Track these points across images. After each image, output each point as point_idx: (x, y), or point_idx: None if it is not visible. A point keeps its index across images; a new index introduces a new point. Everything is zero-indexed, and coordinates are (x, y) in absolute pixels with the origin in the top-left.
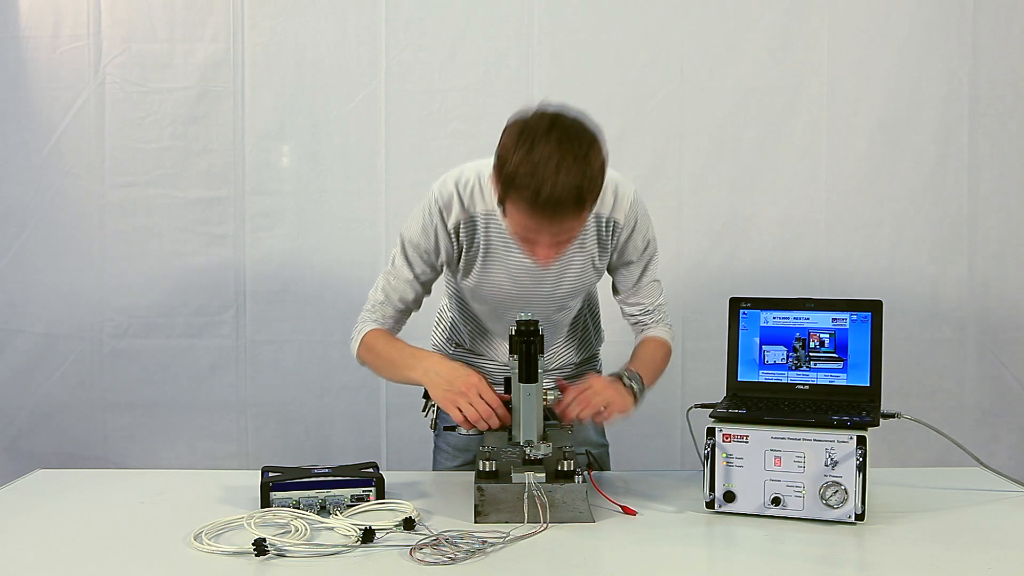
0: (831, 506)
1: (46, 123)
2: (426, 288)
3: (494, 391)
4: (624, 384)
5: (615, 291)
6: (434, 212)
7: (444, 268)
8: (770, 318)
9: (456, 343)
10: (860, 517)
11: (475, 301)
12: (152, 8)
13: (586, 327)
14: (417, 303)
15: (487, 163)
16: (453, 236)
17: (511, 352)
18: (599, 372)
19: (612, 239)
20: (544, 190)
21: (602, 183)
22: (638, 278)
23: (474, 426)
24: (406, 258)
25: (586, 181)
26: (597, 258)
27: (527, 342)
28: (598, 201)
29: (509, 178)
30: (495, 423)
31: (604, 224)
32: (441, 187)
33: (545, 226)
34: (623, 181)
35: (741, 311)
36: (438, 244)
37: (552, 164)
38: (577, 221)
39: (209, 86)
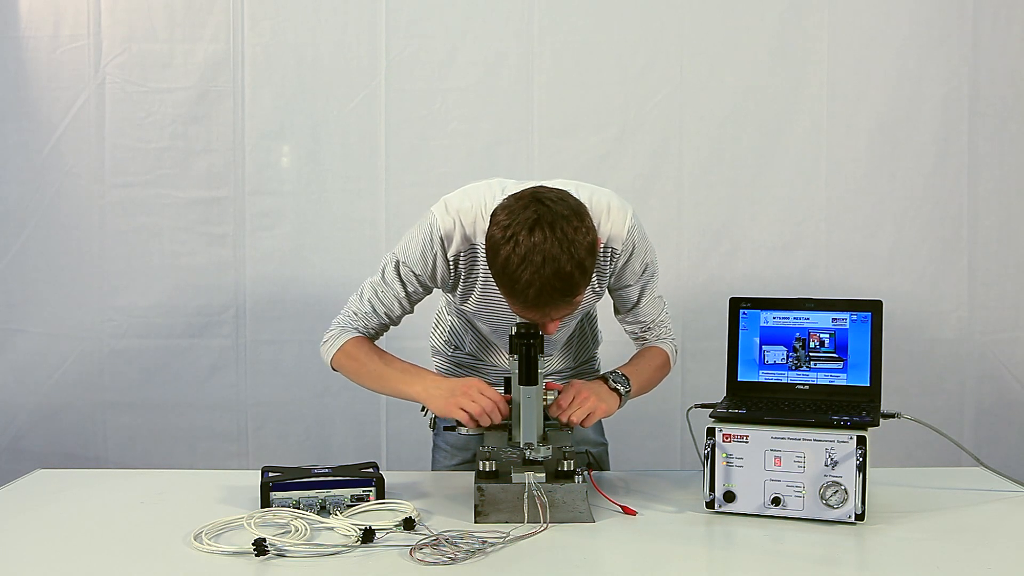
0: (831, 506)
1: (46, 123)
2: (413, 306)
3: (493, 389)
4: (609, 386)
5: (615, 311)
6: (435, 240)
7: (438, 290)
8: (770, 318)
9: (455, 346)
10: (860, 517)
11: (475, 320)
12: (152, 8)
13: (583, 335)
14: (400, 320)
15: (486, 187)
16: (452, 265)
17: (511, 352)
18: (597, 371)
19: (610, 265)
20: (531, 292)
21: (594, 260)
22: (637, 299)
23: (477, 425)
24: (399, 276)
25: (576, 268)
26: (596, 284)
27: (527, 344)
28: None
29: (498, 274)
30: (498, 417)
31: (601, 251)
32: (442, 215)
33: (540, 316)
34: (619, 205)
35: (741, 311)
36: (435, 271)
37: (535, 264)
38: (574, 303)
39: (209, 86)
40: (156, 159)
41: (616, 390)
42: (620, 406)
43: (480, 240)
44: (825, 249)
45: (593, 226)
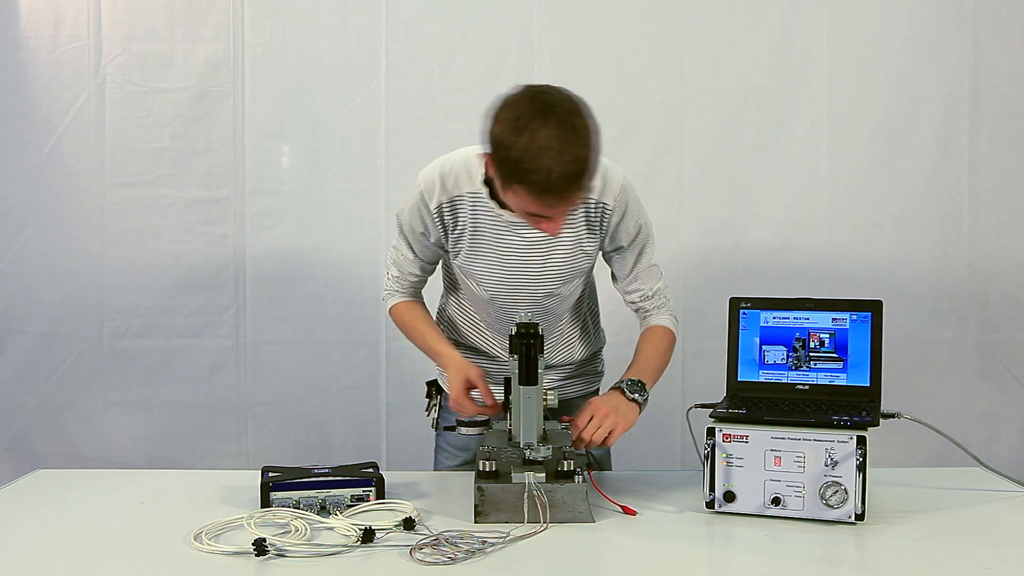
0: (831, 506)
1: (46, 123)
2: (431, 264)
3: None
4: (627, 397)
5: (613, 279)
6: (416, 196)
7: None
8: (770, 318)
9: (455, 342)
10: (860, 517)
11: (469, 280)
12: (152, 8)
13: (584, 322)
14: (428, 272)
15: (475, 148)
16: (437, 218)
17: (511, 352)
18: (601, 372)
19: (602, 224)
20: (552, 177)
21: (599, 153)
22: (634, 263)
23: (474, 426)
24: (405, 239)
25: (590, 157)
26: (586, 241)
27: (527, 344)
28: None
29: (513, 166)
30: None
31: (593, 208)
32: (426, 171)
33: (553, 207)
34: (612, 166)
35: (741, 311)
36: (426, 226)
37: (555, 149)
38: (582, 195)
39: (209, 86)
40: (156, 159)
41: (634, 400)
42: (640, 412)
43: (465, 191)
44: (825, 249)
45: (594, 120)
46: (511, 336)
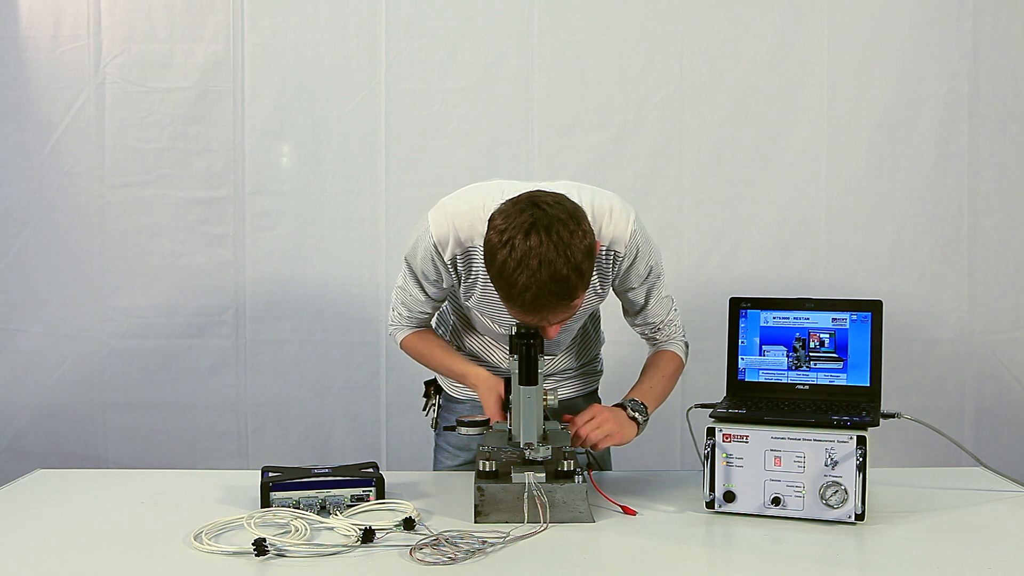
0: (831, 506)
1: (46, 123)
2: (441, 300)
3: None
4: (628, 414)
5: (624, 312)
6: (429, 246)
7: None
8: (770, 318)
9: (456, 347)
10: (860, 517)
11: (483, 317)
12: (152, 8)
13: (587, 333)
14: (437, 308)
15: (484, 190)
16: (451, 267)
17: (511, 352)
18: (600, 372)
19: (612, 268)
20: (528, 295)
21: (592, 263)
22: (644, 301)
23: (474, 426)
24: (417, 281)
25: (572, 272)
26: (598, 286)
27: (527, 344)
28: (597, 231)
29: (495, 279)
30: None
31: (603, 254)
32: (436, 221)
33: (539, 320)
34: (622, 208)
35: (741, 311)
36: (440, 274)
37: (532, 268)
38: (573, 306)
39: (209, 86)
40: (156, 159)
41: (635, 419)
42: (638, 433)
43: (476, 243)
44: (825, 249)
45: (591, 229)
46: (511, 336)
